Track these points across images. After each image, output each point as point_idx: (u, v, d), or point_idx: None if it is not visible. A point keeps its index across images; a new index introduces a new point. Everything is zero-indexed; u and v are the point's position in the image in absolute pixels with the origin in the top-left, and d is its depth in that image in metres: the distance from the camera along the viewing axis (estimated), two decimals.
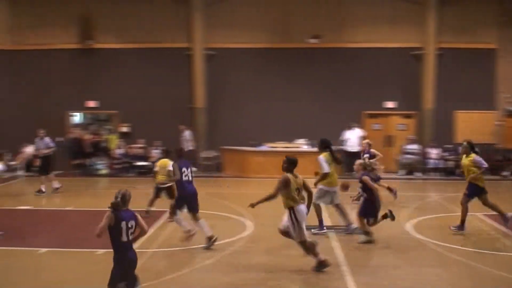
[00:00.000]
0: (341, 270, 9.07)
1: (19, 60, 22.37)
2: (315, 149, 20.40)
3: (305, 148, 20.74)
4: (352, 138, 20.50)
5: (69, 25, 22.44)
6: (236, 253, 10.22)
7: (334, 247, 10.56)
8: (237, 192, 17.78)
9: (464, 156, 11.90)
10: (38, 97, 22.38)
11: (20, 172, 21.15)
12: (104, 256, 10.10)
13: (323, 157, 11.67)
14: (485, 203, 11.74)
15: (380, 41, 21.87)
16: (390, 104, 22.13)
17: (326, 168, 11.60)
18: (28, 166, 21.41)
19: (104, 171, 21.46)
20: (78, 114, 24.57)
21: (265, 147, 20.91)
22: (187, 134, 21.27)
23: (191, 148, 21.08)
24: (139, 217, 6.97)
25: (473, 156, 11.56)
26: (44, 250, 10.38)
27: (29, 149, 21.84)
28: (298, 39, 22.02)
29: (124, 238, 6.79)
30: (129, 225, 6.81)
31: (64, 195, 17.15)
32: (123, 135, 22.25)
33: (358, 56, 21.91)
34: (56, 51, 22.48)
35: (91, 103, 22.74)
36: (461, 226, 11.60)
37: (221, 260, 9.74)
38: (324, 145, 11.86)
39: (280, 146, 20.97)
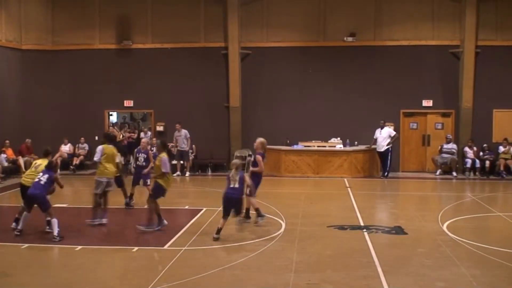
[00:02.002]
0: (376, 271, 8.98)
1: (59, 60, 22.78)
2: (350, 148, 20.53)
3: (339, 147, 20.63)
4: (380, 138, 20.30)
5: (107, 26, 22.77)
6: (270, 252, 10.21)
7: (369, 247, 10.45)
8: (271, 191, 17.75)
9: None
10: (76, 96, 22.77)
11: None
12: (139, 253, 10.26)
13: None
14: None
15: (418, 39, 21.56)
16: (427, 103, 21.83)
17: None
18: (65, 164, 21.86)
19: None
20: (115, 113, 24.92)
21: (299, 146, 20.86)
22: (183, 133, 21.20)
23: (184, 147, 21.06)
24: None
25: None
26: (79, 247, 10.56)
27: (66, 148, 22.33)
28: (334, 37, 21.88)
29: None
30: None
31: None
32: (159, 134, 22.46)
33: (395, 54, 21.65)
34: (94, 51, 22.84)
35: (128, 102, 23.03)
36: None
37: (254, 259, 9.75)
38: None
39: (315, 145, 20.91)
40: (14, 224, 11.69)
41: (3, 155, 19.81)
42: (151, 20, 22.60)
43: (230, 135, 22.19)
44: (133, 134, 23.23)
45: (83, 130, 22.57)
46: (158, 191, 11.88)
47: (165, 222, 11.91)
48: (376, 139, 20.43)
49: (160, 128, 22.66)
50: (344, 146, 20.76)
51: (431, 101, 21.74)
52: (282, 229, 11.90)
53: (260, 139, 13.01)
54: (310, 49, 22.02)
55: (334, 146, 20.74)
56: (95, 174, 12.70)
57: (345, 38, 21.68)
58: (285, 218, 12.94)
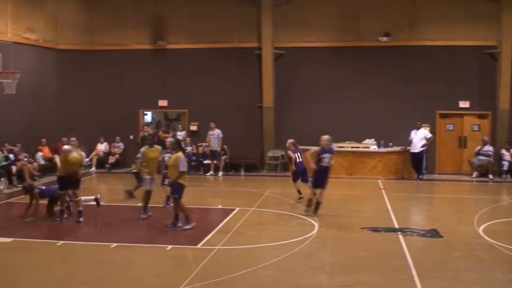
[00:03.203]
0: (411, 274, 8.87)
1: (94, 60, 23.08)
2: (384, 149, 20.32)
3: (373, 148, 20.45)
4: (415, 139, 20.05)
5: (142, 26, 22.99)
6: (303, 253, 10.18)
7: (404, 250, 10.33)
8: (304, 192, 17.68)
9: None
10: (112, 96, 23.04)
11: (92, 169, 21.87)
12: (172, 251, 10.34)
13: None
14: None
15: (453, 39, 21.22)
16: (464, 104, 21.47)
17: None
18: (101, 163, 22.17)
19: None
20: (149, 112, 25.15)
21: (333, 147, 20.70)
22: (217, 132, 21.22)
23: (217, 147, 21.10)
24: None
25: None
26: (114, 245, 10.69)
27: (102, 147, 22.64)
28: (368, 37, 21.69)
29: None
30: None
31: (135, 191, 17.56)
32: (192, 134, 22.61)
33: (431, 54, 21.35)
34: (129, 52, 23.08)
35: (163, 102, 23.21)
36: None
37: (287, 259, 9.73)
38: None
39: (348, 146, 20.76)
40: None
41: (40, 153, 20.17)
42: (185, 20, 22.73)
43: (263, 135, 22.19)
44: (167, 135, 23.38)
45: (119, 129, 22.84)
46: (180, 190, 11.96)
47: (180, 223, 12.06)
48: (411, 140, 20.19)
49: (194, 128, 22.78)
50: (378, 147, 20.56)
51: (468, 102, 21.37)
52: (316, 230, 11.85)
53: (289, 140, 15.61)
54: (344, 49, 21.87)
55: (368, 147, 20.56)
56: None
57: (379, 38, 21.48)
58: (318, 219, 12.88)
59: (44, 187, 13.70)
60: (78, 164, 12.73)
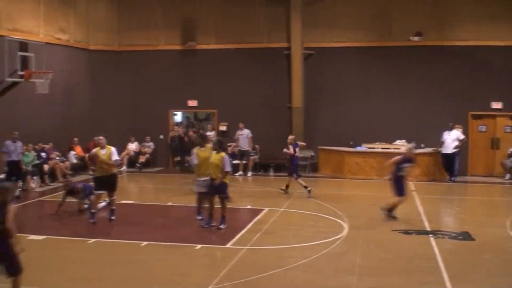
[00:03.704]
0: (442, 277, 8.75)
1: (125, 61, 23.30)
2: (415, 151, 20.04)
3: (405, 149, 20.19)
4: (448, 140, 19.76)
5: (172, 27, 23.13)
6: (332, 254, 10.12)
7: (435, 253, 10.19)
8: (334, 192, 17.62)
9: None
10: (142, 96, 23.23)
11: (123, 168, 22.08)
12: (202, 251, 10.39)
13: None
14: None
15: (485, 38, 20.82)
16: (496, 105, 21.09)
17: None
18: (131, 162, 22.38)
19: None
20: (179, 112, 25.29)
21: (363, 148, 20.58)
22: (246, 132, 21.18)
23: (246, 147, 21.01)
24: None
25: None
26: (145, 243, 10.77)
27: (133, 146, 22.85)
28: (399, 37, 21.43)
29: None
30: None
31: (164, 190, 17.70)
32: (221, 134, 22.66)
33: (463, 54, 21.02)
34: (159, 52, 23.24)
35: (192, 102, 23.33)
36: None
37: (316, 261, 9.68)
38: None
39: (379, 147, 20.58)
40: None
41: (73, 152, 20.46)
42: (215, 21, 22.78)
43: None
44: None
45: (149, 129, 23.02)
46: (226, 189, 12.08)
47: (214, 223, 12.12)
48: (443, 142, 19.92)
49: (223, 128, 22.84)
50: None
51: (500, 103, 20.99)
52: (345, 232, 11.77)
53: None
54: (375, 49, 21.66)
55: (399, 148, 20.32)
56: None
57: (411, 38, 21.23)
58: (348, 220, 12.79)
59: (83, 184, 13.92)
60: (108, 162, 12.78)
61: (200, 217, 12.63)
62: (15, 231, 7.15)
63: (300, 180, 16.29)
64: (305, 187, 16.08)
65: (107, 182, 12.72)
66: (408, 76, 21.40)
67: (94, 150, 13.01)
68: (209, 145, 12.70)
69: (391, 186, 13.16)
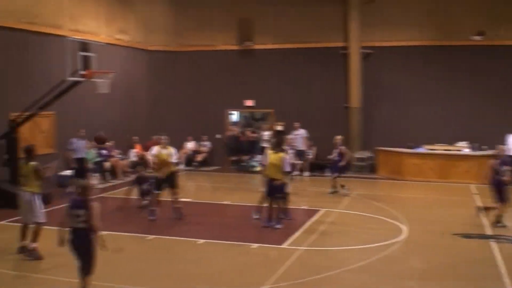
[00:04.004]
0: (503, 283, 8.45)
1: (183, 61, 23.59)
2: (478, 153, 19.50)
3: (467, 151, 19.66)
4: (510, 142, 19.06)
5: (229, 27, 23.27)
6: (390, 258, 9.93)
7: (496, 258, 9.85)
8: (392, 194, 17.31)
9: None
10: (199, 95, 23.47)
11: (181, 167, 22.34)
12: (258, 250, 10.38)
13: None
14: None
15: None
16: None
17: None
18: (188, 161, 22.62)
19: (258, 168, 21.92)
20: (236, 112, 25.42)
21: (422, 149, 20.14)
22: (301, 132, 20.93)
23: (302, 147, 20.76)
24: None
25: None
26: (202, 241, 10.86)
27: (190, 145, 23.12)
28: (460, 36, 20.87)
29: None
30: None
31: (221, 189, 17.82)
32: (278, 134, 22.59)
33: None
34: (217, 52, 23.43)
35: (248, 102, 23.40)
36: None
37: (374, 263, 9.52)
38: None
39: (439, 148, 20.09)
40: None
41: (134, 150, 20.86)
42: (272, 21, 22.78)
43: (349, 136, 21.84)
44: (255, 135, 23.56)
45: (206, 128, 23.24)
46: (285, 189, 12.12)
47: (272, 223, 12.11)
48: (507, 144, 19.23)
49: (279, 127, 22.77)
50: (472, 150, 19.74)
51: None
52: (404, 235, 11.53)
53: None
54: (435, 48, 21.14)
55: (461, 150, 19.80)
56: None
57: (471, 37, 20.63)
58: (407, 223, 12.52)
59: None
60: (168, 161, 12.92)
61: (257, 216, 12.64)
62: (98, 229, 7.32)
63: (337, 180, 16.70)
64: (334, 187, 16.72)
65: (167, 181, 12.89)
66: (470, 76, 20.80)
67: (155, 149, 13.18)
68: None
69: (491, 193, 12.56)
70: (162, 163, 12.87)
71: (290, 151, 14.00)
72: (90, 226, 7.21)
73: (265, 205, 12.35)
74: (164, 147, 13.02)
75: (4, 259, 9.57)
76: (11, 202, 12.53)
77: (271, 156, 12.03)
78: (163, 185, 12.94)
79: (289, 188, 12.98)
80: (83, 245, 7.24)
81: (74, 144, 16.46)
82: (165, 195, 13.21)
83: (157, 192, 12.97)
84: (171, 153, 13.01)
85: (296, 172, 20.62)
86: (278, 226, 11.97)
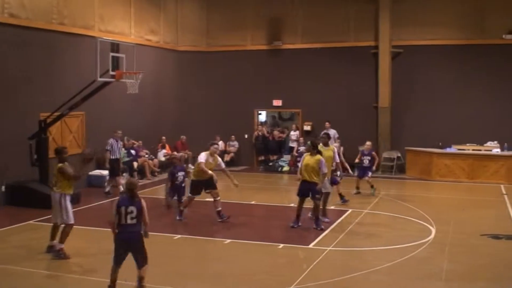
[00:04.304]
0: None
1: (212, 61, 23.69)
2: (508, 153, 19.19)
3: (497, 151, 19.38)
4: None
5: (258, 27, 23.30)
6: (418, 259, 9.85)
7: None
8: (421, 195, 17.14)
9: None
10: (228, 95, 23.54)
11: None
12: (285, 250, 10.40)
13: None
14: None
15: None
16: None
17: None
18: None
19: (286, 168, 21.94)
20: (264, 112, 25.45)
21: (452, 149, 19.91)
22: (332, 132, 20.69)
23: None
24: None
25: None
26: (228, 241, 10.92)
27: (218, 145, 23.20)
28: (493, 34, 20.54)
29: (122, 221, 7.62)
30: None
31: (248, 189, 17.84)
32: (306, 134, 22.58)
33: None
34: (246, 52, 23.48)
35: (277, 102, 23.41)
36: None
37: (402, 264, 9.46)
38: None
39: (470, 148, 19.83)
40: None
41: (163, 150, 21.05)
42: (301, 20, 22.75)
43: (378, 136, 21.71)
44: (283, 135, 23.55)
45: (234, 128, 23.31)
46: (320, 191, 12.01)
47: (300, 224, 12.11)
48: None
49: (307, 127, 22.75)
50: (502, 150, 19.46)
51: None
52: (432, 236, 11.42)
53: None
54: (467, 47, 20.86)
55: (491, 150, 19.52)
56: None
57: (503, 36, 20.31)
58: (436, 224, 12.40)
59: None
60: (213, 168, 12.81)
61: (327, 219, 12.58)
62: (148, 223, 7.81)
63: (360, 180, 16.75)
64: (357, 187, 16.65)
65: (206, 184, 12.67)
66: (501, 75, 20.47)
67: (203, 157, 12.76)
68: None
69: None
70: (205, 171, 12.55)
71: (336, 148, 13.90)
72: (141, 221, 7.69)
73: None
74: (212, 155, 12.80)
75: (35, 258, 9.74)
76: (42, 201, 12.82)
77: (307, 158, 11.89)
78: (200, 188, 12.75)
79: (330, 189, 13.00)
80: (136, 240, 7.67)
81: (112, 145, 16.60)
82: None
83: (192, 196, 12.80)
84: (219, 163, 13.01)
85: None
86: (321, 226, 11.88)
